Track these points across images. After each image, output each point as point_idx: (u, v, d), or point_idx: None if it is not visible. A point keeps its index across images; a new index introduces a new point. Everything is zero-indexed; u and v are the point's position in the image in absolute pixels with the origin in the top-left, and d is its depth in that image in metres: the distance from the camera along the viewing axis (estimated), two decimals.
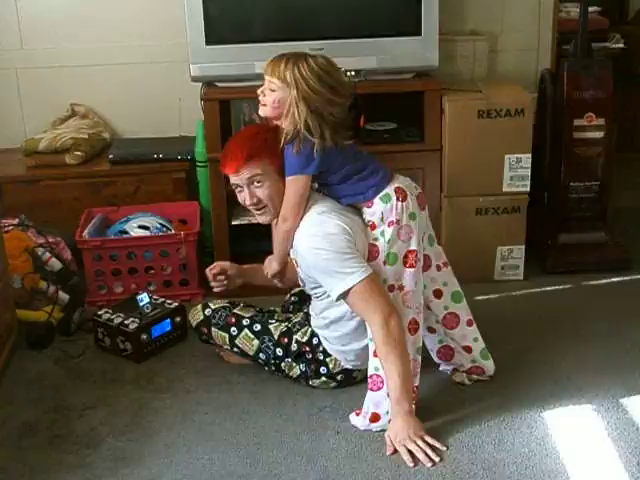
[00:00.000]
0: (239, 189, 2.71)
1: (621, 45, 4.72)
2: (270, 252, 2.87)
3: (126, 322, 3.16)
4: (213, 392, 2.94)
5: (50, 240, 3.57)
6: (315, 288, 2.74)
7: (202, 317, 3.00)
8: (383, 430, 2.62)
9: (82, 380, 3.05)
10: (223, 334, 2.95)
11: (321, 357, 2.85)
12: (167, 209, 3.78)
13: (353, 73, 3.38)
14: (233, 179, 2.70)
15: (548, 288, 3.72)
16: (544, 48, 4.11)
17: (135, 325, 3.15)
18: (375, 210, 2.68)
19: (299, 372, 2.89)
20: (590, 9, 3.97)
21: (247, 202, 2.71)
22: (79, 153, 3.81)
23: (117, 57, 3.98)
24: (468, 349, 2.91)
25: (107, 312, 3.25)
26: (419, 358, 2.73)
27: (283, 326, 2.92)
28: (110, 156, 3.84)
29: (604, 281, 3.76)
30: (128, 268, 3.59)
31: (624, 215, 4.23)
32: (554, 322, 3.40)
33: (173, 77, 3.88)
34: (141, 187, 3.81)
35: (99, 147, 3.95)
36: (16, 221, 3.60)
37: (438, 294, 2.87)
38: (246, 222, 3.62)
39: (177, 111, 4.01)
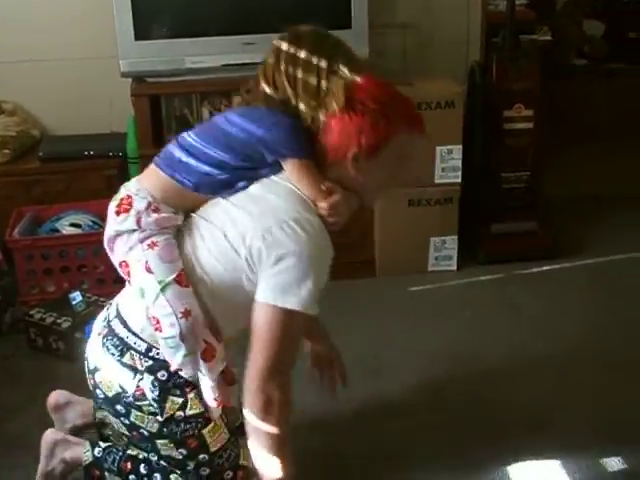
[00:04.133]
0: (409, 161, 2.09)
1: (549, 37, 4.81)
2: None
3: (59, 321, 3.13)
4: None
5: None
6: None
7: (91, 458, 2.29)
8: None
9: (15, 380, 3.01)
10: None
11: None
12: (99, 206, 3.71)
13: None
14: (415, 144, 2.07)
15: (481, 278, 3.76)
16: (473, 41, 4.14)
17: (68, 324, 3.12)
18: None
19: None
20: (517, 2, 4.05)
21: (408, 178, 2.28)
22: (7, 151, 3.74)
23: (45, 53, 3.91)
24: None
25: (39, 311, 3.21)
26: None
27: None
28: (40, 153, 3.77)
29: (536, 270, 3.82)
30: (60, 267, 3.54)
31: (555, 204, 4.29)
32: (487, 312, 3.45)
33: (103, 73, 3.82)
34: (72, 185, 3.76)
35: (28, 145, 3.88)
36: None
37: None
38: None
39: (108, 107, 3.97)
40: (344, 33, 3.42)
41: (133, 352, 2.03)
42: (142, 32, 3.41)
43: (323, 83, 1.96)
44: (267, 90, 2.00)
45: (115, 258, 2.09)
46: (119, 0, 3.37)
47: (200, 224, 2.03)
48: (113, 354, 2.05)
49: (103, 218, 3.61)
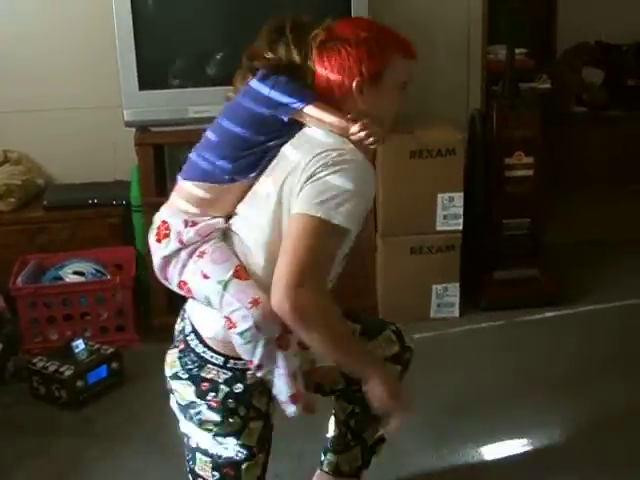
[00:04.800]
0: (407, 87, 2.09)
1: (548, 85, 4.84)
2: None
3: (61, 369, 3.13)
4: (150, 439, 2.92)
5: None
6: None
7: None
8: None
9: (17, 430, 3.01)
10: None
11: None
12: (102, 255, 3.76)
13: None
14: (410, 69, 2.07)
15: (483, 325, 3.77)
16: (474, 89, 4.20)
17: (70, 372, 3.12)
18: None
19: None
20: (517, 51, 4.08)
21: (405, 105, 2.13)
22: (12, 200, 3.77)
23: (50, 103, 3.96)
24: None
25: (42, 360, 3.21)
26: None
27: None
28: (44, 202, 3.81)
29: (538, 316, 3.82)
30: (63, 315, 3.55)
31: (557, 251, 4.31)
32: (490, 359, 3.45)
33: (107, 122, 3.86)
34: (76, 233, 3.78)
35: (33, 193, 3.92)
36: None
37: None
38: None
39: (112, 156, 4.00)
40: None
41: (211, 366, 2.03)
42: (146, 82, 3.45)
43: (310, 34, 2.02)
44: (263, 55, 2.04)
45: (172, 284, 2.10)
46: (123, 50, 3.41)
47: (241, 213, 2.04)
48: (191, 369, 2.05)
49: (106, 266, 3.69)
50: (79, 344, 3.25)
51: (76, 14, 3.89)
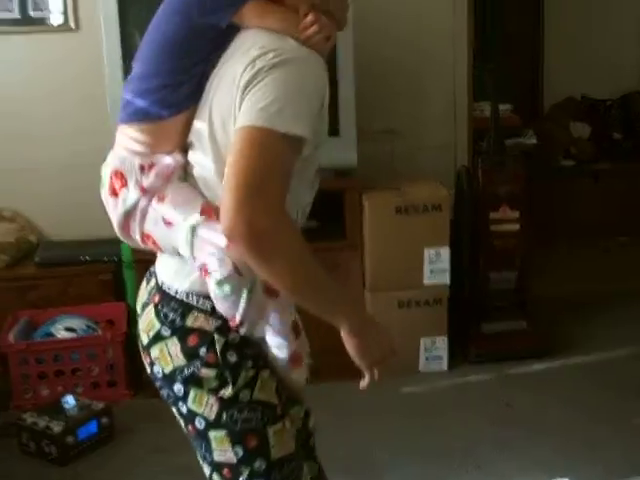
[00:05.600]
0: None
1: (534, 140, 4.94)
2: None
3: (51, 425, 3.15)
4: None
5: None
6: None
7: None
8: None
9: None
10: None
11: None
12: (94, 310, 3.79)
13: None
14: None
15: (472, 377, 3.79)
16: (461, 145, 4.28)
17: (60, 428, 3.14)
18: None
19: None
20: (503, 107, 4.18)
21: None
22: (4, 257, 3.82)
23: (42, 160, 4.02)
24: None
25: (32, 415, 3.23)
26: None
27: None
28: (37, 259, 3.85)
29: (526, 369, 3.85)
30: (54, 370, 3.57)
31: (545, 303, 4.34)
32: (478, 411, 3.47)
33: (99, 180, 3.91)
34: (68, 289, 3.81)
35: (26, 250, 3.96)
36: None
37: None
38: None
39: (104, 212, 4.04)
40: (333, 140, 3.57)
41: (197, 312, 1.72)
42: None
43: None
44: None
45: (135, 239, 1.82)
46: (115, 112, 3.46)
47: (195, 143, 1.76)
48: (174, 320, 1.73)
49: (98, 322, 3.72)
50: (69, 400, 3.27)
51: (70, 78, 3.99)
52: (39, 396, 3.57)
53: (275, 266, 1.57)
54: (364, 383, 1.78)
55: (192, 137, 1.75)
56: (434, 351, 3.82)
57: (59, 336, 3.63)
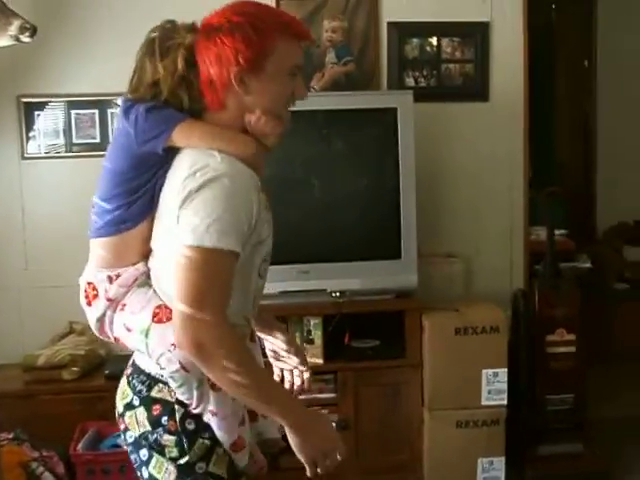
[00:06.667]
0: (298, 73, 1.97)
1: (588, 264, 5.02)
2: None
3: None
4: None
5: (44, 454, 3.64)
6: None
7: None
8: None
9: None
10: None
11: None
12: None
13: (338, 294, 3.62)
14: (302, 56, 1.97)
15: None
16: (517, 268, 4.36)
17: None
18: None
19: None
20: (558, 232, 4.29)
21: (303, 92, 1.99)
22: (76, 369, 3.94)
23: None
24: None
25: None
26: None
27: None
28: (106, 372, 3.97)
29: None
30: None
31: (602, 426, 4.34)
32: None
33: None
34: None
35: (95, 363, 4.08)
36: (11, 435, 3.69)
37: None
38: None
39: None
40: (394, 263, 3.74)
41: (161, 385, 1.95)
42: None
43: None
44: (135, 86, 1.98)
45: (111, 339, 2.09)
46: None
47: (154, 250, 1.98)
48: (140, 390, 1.97)
49: None
50: None
51: None
52: None
53: (215, 371, 1.78)
54: (308, 474, 1.90)
55: (152, 244, 1.97)
56: (491, 472, 3.84)
57: (125, 448, 3.70)
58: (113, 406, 2.13)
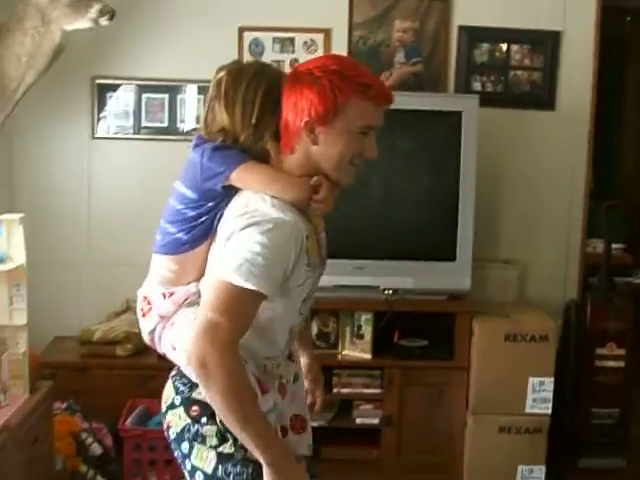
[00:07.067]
0: (371, 133, 2.04)
1: None
2: None
3: None
4: None
5: (94, 426, 3.75)
6: None
7: None
8: None
9: None
10: None
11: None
12: None
13: (391, 292, 3.66)
14: (379, 118, 2.04)
15: None
16: (571, 279, 4.36)
17: None
18: None
19: None
20: (615, 245, 4.28)
21: (373, 152, 2.06)
22: (130, 346, 4.04)
23: None
24: None
25: None
26: None
27: None
28: None
29: None
30: (165, 460, 3.73)
31: None
32: None
33: None
34: None
35: None
36: (64, 405, 3.80)
37: None
38: None
39: None
40: (448, 265, 3.77)
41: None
42: None
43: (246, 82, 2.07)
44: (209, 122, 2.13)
45: (162, 353, 2.22)
46: None
47: (206, 273, 2.10)
48: (182, 391, 2.09)
49: None
50: None
51: None
52: None
53: (210, 391, 1.88)
54: None
55: (207, 268, 2.10)
56: (531, 479, 3.86)
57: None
58: (163, 385, 2.21)
